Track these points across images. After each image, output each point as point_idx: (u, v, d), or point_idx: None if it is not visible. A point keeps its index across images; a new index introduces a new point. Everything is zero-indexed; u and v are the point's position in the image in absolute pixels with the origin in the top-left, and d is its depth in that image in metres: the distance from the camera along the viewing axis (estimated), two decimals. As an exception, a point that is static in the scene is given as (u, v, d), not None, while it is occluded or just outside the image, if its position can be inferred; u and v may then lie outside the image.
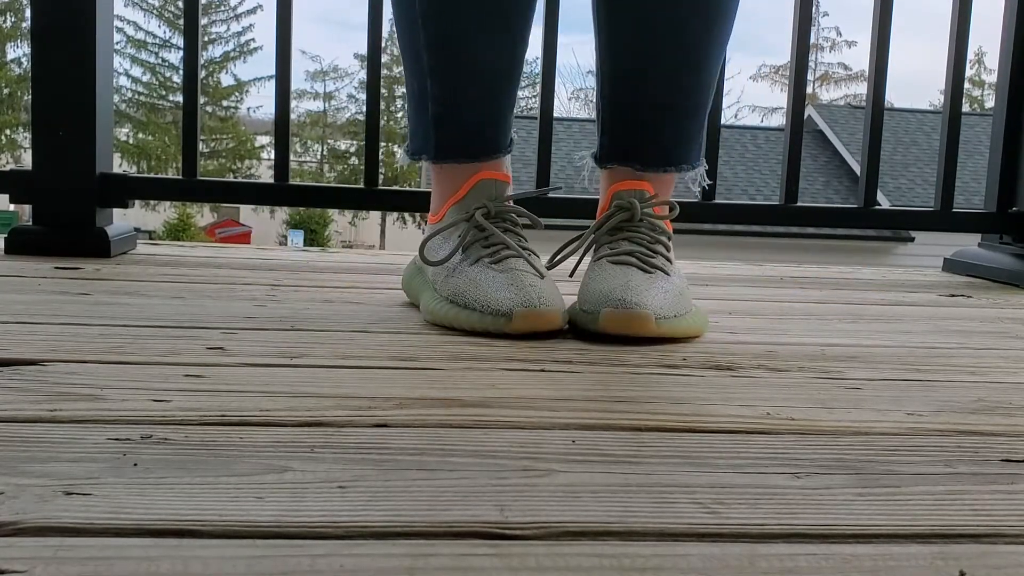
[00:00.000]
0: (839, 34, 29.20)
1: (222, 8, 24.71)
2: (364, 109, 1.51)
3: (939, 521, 0.43)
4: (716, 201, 1.53)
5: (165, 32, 23.77)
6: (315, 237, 20.82)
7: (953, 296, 1.32)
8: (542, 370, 0.72)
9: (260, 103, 27.43)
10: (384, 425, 0.55)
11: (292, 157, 1.50)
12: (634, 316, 0.83)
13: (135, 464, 0.46)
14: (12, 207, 14.35)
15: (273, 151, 1.48)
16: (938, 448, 0.55)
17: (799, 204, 1.55)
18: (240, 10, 24.97)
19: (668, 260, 0.94)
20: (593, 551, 0.38)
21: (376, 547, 0.38)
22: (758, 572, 0.37)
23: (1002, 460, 0.53)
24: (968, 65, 1.59)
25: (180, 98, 1.47)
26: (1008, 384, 0.74)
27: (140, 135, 23.04)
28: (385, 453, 0.50)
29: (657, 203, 0.96)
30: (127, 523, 0.39)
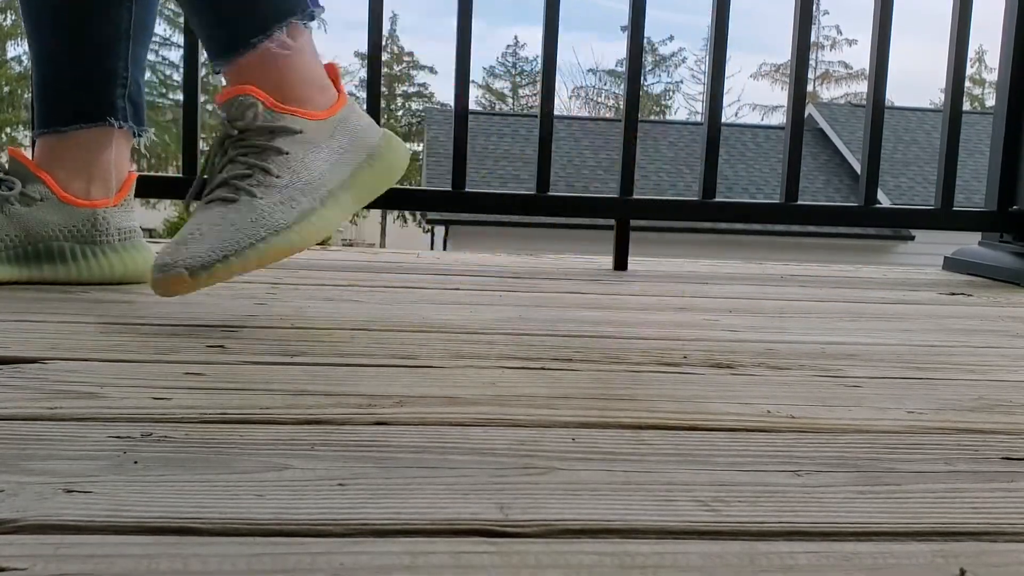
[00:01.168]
0: (839, 32, 29.19)
1: (222, 6, 24.62)
2: (364, 107, 1.51)
3: (939, 519, 0.43)
4: (717, 200, 1.53)
5: (165, 30, 23.77)
6: (315, 235, 20.78)
7: (953, 295, 1.32)
8: (542, 368, 0.72)
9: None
10: (384, 423, 0.55)
11: (292, 155, 1.50)
12: (170, 280, 0.82)
13: (135, 462, 0.46)
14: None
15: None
16: (938, 446, 0.55)
17: (799, 203, 1.55)
18: (240, 8, 24.89)
19: (269, 173, 0.87)
20: (593, 549, 0.39)
21: (376, 545, 0.38)
22: (758, 570, 0.37)
23: (1002, 458, 0.53)
24: (968, 64, 1.59)
25: (180, 96, 1.47)
26: (1008, 382, 0.74)
27: (140, 133, 22.99)
28: (385, 451, 0.50)
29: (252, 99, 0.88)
30: (127, 521, 0.39)
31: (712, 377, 0.72)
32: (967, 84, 1.65)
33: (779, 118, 27.19)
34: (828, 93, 28.46)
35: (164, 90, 23.69)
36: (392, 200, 1.60)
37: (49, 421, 0.53)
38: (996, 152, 1.58)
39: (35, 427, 0.52)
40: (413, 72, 27.78)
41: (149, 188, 1.49)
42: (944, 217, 1.58)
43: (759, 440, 0.55)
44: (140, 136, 1.11)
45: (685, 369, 0.74)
